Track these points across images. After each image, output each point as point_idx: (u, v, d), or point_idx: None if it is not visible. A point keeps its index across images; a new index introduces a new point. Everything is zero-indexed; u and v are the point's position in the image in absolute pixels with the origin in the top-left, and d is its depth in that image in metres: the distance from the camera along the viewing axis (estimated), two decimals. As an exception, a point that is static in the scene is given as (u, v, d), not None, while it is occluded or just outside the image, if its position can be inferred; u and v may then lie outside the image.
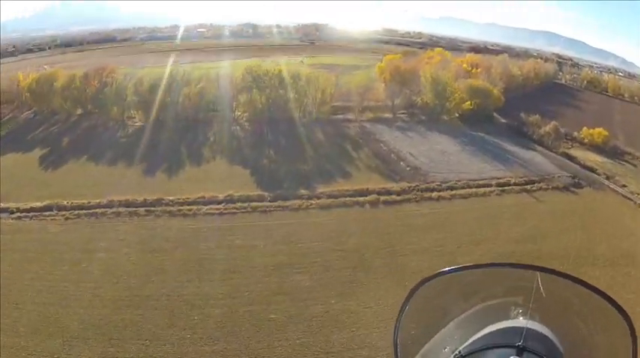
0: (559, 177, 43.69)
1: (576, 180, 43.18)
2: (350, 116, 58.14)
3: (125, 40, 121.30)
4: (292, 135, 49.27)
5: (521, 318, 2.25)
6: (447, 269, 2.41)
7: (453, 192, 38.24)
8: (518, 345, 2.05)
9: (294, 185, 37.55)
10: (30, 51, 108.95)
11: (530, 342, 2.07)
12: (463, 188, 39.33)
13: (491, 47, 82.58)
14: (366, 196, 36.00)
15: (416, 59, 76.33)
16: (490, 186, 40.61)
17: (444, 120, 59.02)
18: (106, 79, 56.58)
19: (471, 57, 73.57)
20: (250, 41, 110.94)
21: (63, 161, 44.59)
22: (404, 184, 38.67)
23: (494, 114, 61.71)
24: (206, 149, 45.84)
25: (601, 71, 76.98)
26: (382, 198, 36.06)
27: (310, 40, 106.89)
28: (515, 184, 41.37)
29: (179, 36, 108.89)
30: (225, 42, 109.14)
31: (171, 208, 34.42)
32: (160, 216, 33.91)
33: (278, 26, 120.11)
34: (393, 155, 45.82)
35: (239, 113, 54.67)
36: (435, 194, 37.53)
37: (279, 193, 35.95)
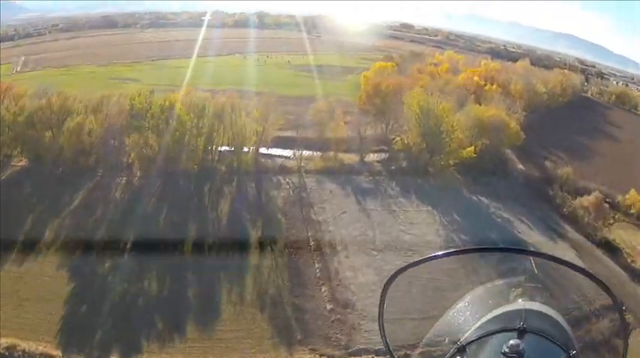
0: (597, 313, 24.57)
1: (621, 317, 24.01)
2: (294, 161, 39.62)
3: (127, 26, 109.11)
4: (176, 207, 31.44)
5: (520, 300, 2.20)
6: (437, 254, 2.23)
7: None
8: (519, 327, 2.00)
9: (115, 335, 20.61)
10: (29, 35, 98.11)
11: (531, 323, 2.03)
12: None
13: (512, 49, 68.16)
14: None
15: (417, 66, 56.53)
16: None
17: (434, 170, 39.85)
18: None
19: (486, 65, 54.04)
20: (251, 32, 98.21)
21: None
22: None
23: (509, 153, 44.42)
24: (50, 228, 28.98)
25: (626, 82, 68.84)
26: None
27: (317, 34, 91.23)
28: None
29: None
30: (218, 33, 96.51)
31: None
32: None
33: (285, 17, 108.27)
34: (317, 265, 27.07)
35: (132, 159, 36.89)
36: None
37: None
